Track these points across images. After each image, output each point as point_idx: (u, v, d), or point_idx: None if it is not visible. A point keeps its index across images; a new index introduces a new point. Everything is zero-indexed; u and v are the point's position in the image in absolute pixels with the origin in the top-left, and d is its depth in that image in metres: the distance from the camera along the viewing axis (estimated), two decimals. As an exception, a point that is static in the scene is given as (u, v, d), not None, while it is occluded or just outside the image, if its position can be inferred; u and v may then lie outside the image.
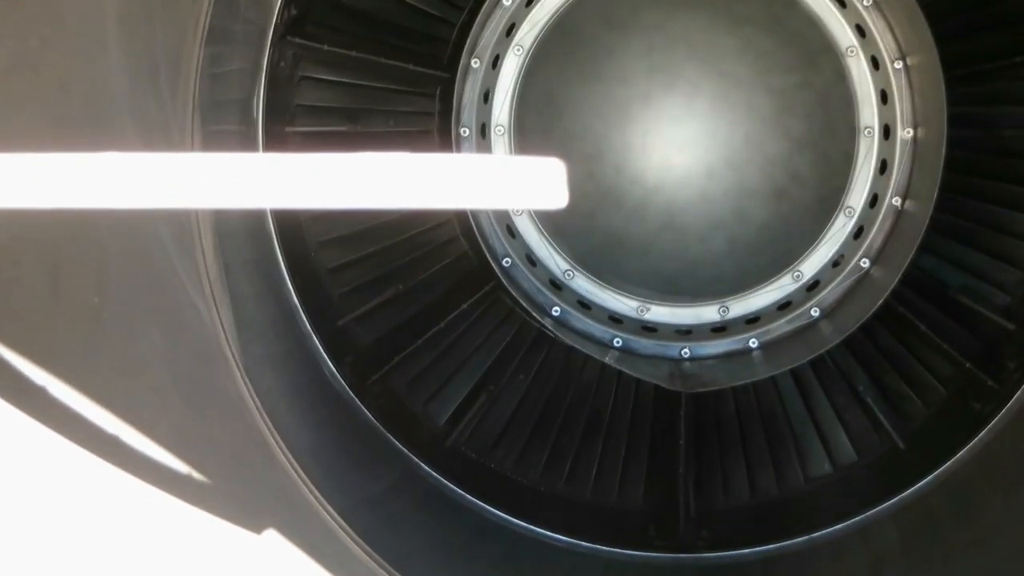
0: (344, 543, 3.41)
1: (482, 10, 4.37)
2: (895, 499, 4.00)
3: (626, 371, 4.37)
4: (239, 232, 3.79)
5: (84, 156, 1.39)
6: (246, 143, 3.93)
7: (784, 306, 4.56)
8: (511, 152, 4.52)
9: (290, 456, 3.41)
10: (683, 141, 4.44)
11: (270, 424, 3.39)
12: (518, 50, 4.48)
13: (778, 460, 4.33)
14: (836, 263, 4.50)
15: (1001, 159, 4.16)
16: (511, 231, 4.60)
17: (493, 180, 1.45)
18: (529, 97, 4.51)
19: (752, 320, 4.58)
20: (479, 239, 4.42)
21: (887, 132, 4.41)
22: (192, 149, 3.39)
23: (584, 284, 4.59)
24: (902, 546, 3.94)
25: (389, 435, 4.19)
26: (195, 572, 2.46)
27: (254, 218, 3.96)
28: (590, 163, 4.46)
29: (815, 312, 4.49)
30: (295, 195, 1.40)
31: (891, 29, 4.36)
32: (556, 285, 4.61)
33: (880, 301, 4.13)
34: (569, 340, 4.40)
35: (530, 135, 4.53)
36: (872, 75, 4.40)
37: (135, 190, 1.39)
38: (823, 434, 4.33)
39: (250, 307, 3.70)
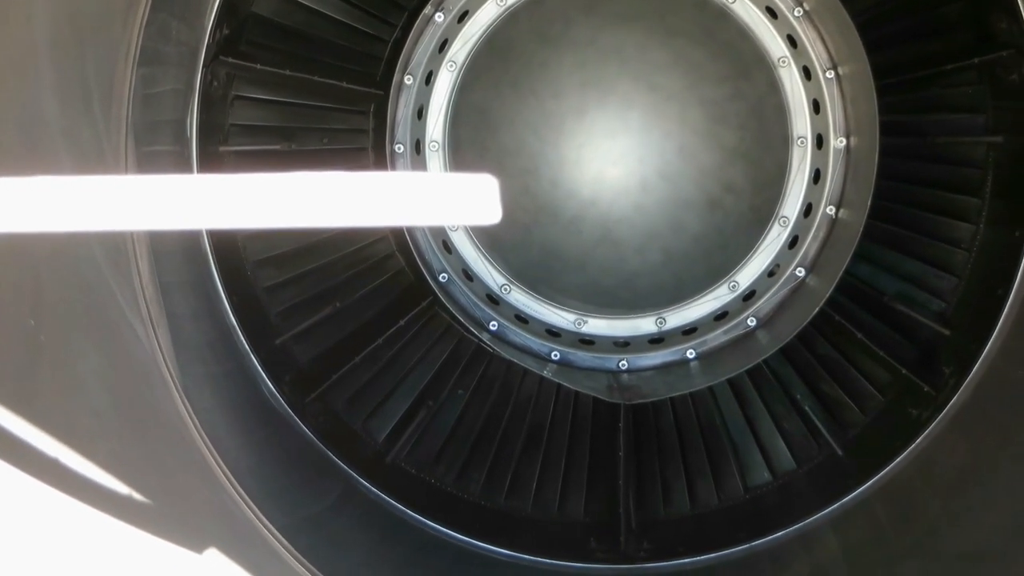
0: (286, 562, 3.41)
1: (414, 27, 4.36)
2: (835, 506, 4.03)
3: (565, 384, 4.38)
4: (175, 252, 3.78)
5: (17, 180, 1.38)
6: (180, 163, 3.93)
7: (721, 316, 4.58)
8: (446, 168, 4.53)
9: (230, 476, 3.40)
10: (617, 154, 4.45)
11: (210, 444, 3.38)
12: (451, 66, 4.49)
13: (717, 470, 4.35)
14: (772, 272, 4.52)
15: (934, 166, 4.19)
16: (447, 246, 4.60)
17: (427, 198, 1.46)
18: (463, 113, 4.52)
19: (689, 331, 4.60)
20: (415, 255, 4.41)
21: (820, 141, 4.44)
22: (126, 171, 3.38)
23: (521, 298, 4.60)
24: (843, 552, 3.96)
25: (329, 453, 4.18)
26: (137, 594, 2.45)
27: (190, 238, 3.95)
28: (525, 177, 4.47)
29: (752, 322, 4.51)
30: (231, 216, 1.40)
31: (822, 39, 4.39)
32: (493, 300, 4.62)
33: (816, 310, 4.14)
34: (507, 354, 4.40)
35: (465, 151, 4.54)
36: (804, 85, 4.43)
37: (70, 213, 1.39)
38: (762, 443, 4.36)
39: (188, 327, 3.68)
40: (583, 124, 4.44)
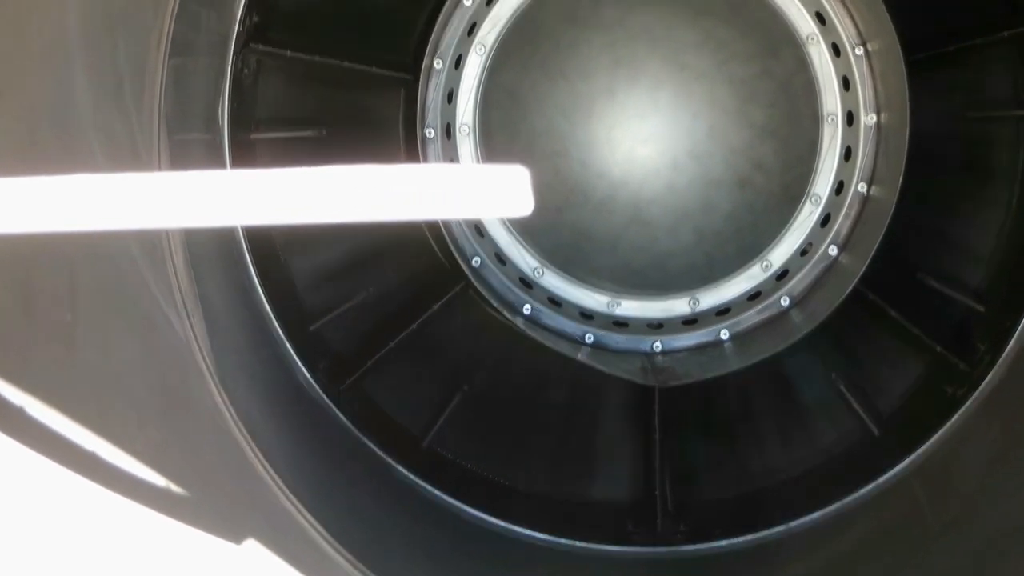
0: (324, 550, 3.40)
1: (443, 10, 4.37)
2: (871, 485, 4.00)
3: (599, 367, 4.37)
4: (209, 243, 3.77)
5: (54, 180, 1.38)
6: (212, 151, 3.92)
7: (754, 296, 4.57)
8: (477, 151, 4.52)
9: (267, 464, 3.40)
10: (647, 135, 4.44)
11: (246, 433, 3.38)
12: (480, 49, 4.48)
13: (753, 451, 4.34)
14: (804, 251, 4.51)
15: (965, 142, 4.17)
16: (479, 230, 4.61)
17: (459, 191, 1.46)
18: (493, 96, 4.51)
19: (723, 311, 4.59)
20: (448, 240, 4.41)
21: (850, 119, 4.43)
22: (159, 160, 3.38)
23: (554, 281, 4.60)
24: (881, 531, 3.95)
25: (365, 439, 4.17)
26: (176, 584, 2.45)
27: (224, 228, 3.95)
28: (556, 159, 4.47)
29: (785, 301, 4.50)
30: (264, 213, 1.40)
31: (851, 15, 4.37)
32: (526, 283, 4.61)
33: (849, 288, 4.14)
34: (541, 338, 4.40)
35: (495, 134, 4.54)
36: (833, 62, 4.41)
37: (106, 212, 1.39)
38: (797, 423, 4.34)
39: (222, 317, 3.68)
40: (613, 105, 4.43)
